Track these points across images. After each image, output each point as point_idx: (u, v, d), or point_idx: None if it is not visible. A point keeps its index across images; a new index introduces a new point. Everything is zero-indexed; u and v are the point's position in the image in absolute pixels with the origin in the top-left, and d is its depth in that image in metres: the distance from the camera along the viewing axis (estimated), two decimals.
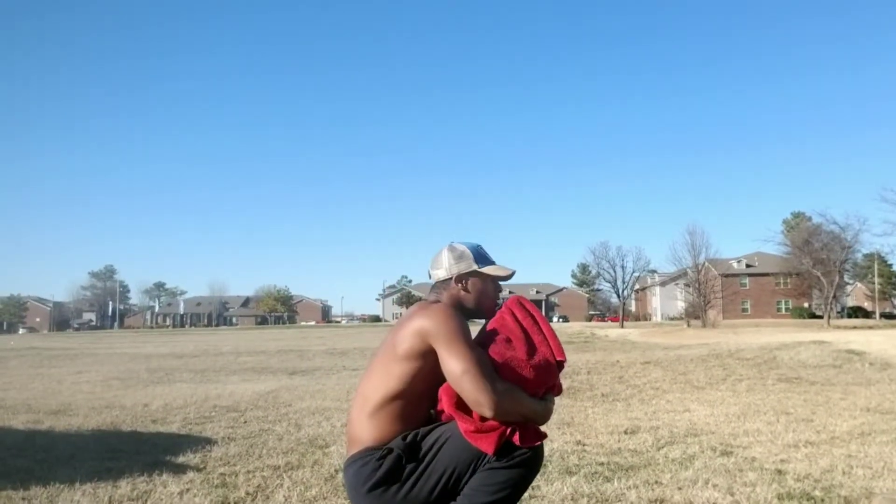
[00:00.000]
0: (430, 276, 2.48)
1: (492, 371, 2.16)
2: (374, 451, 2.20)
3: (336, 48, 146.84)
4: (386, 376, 2.25)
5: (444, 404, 2.22)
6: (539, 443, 2.22)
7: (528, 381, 2.22)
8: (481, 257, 2.46)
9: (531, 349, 2.27)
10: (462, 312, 2.37)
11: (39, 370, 13.63)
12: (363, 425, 2.25)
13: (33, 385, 10.11)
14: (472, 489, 2.20)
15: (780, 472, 3.83)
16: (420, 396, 2.24)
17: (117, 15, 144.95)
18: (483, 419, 2.15)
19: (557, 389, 2.37)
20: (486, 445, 2.14)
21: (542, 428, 2.27)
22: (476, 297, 2.43)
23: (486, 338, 2.31)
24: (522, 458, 2.17)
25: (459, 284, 2.41)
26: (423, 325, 2.21)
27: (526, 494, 3.36)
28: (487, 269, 2.43)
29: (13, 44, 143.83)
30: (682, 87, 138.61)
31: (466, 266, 2.41)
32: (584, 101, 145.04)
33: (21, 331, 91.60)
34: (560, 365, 2.33)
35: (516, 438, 2.14)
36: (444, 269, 2.42)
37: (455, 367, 2.14)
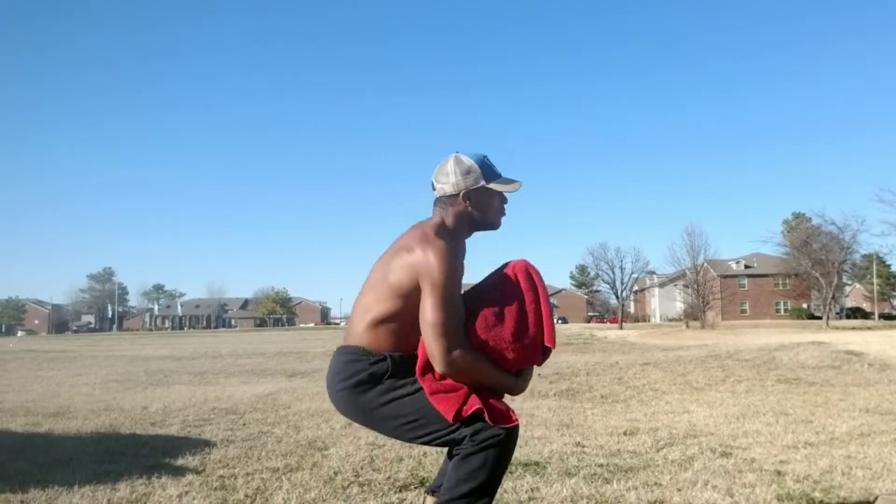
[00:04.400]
0: (433, 188, 2.41)
1: (460, 331, 2.15)
2: (368, 353, 2.25)
3: (335, 50, 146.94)
4: (382, 296, 2.27)
5: (418, 363, 2.23)
6: (511, 425, 2.19)
7: (507, 360, 2.22)
8: (489, 170, 2.38)
9: (520, 329, 2.23)
10: (469, 228, 2.38)
11: (38, 373, 13.61)
12: (362, 331, 2.29)
13: (32, 387, 10.09)
14: (451, 482, 2.21)
15: (779, 473, 3.83)
16: (416, 324, 2.22)
17: (114, 17, 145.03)
18: (442, 377, 2.18)
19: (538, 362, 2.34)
20: (445, 407, 2.15)
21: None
22: (484, 213, 2.39)
23: (479, 297, 2.27)
24: (496, 439, 2.15)
25: (467, 201, 2.35)
26: (417, 263, 2.19)
27: (525, 496, 3.37)
28: (496, 185, 2.37)
29: (12, 46, 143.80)
30: (681, 87, 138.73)
31: (474, 181, 2.34)
32: (583, 101, 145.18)
33: (19, 333, 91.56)
34: (547, 350, 2.29)
35: (487, 416, 2.14)
36: (452, 184, 2.34)
37: (428, 314, 2.14)
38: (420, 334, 2.20)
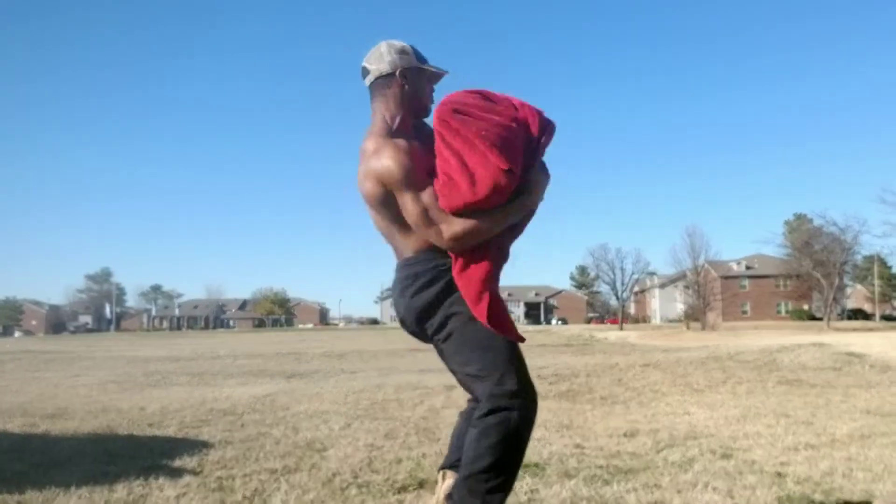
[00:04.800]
0: (364, 74, 2.43)
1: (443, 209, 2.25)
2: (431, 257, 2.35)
3: (335, 52, 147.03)
4: (375, 215, 2.43)
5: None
6: (514, 337, 2.35)
7: (485, 201, 2.25)
8: (419, 53, 2.44)
9: (470, 177, 2.24)
10: (409, 112, 2.41)
11: (35, 373, 13.58)
12: (401, 248, 2.44)
13: (29, 388, 10.07)
14: (468, 457, 2.28)
15: (780, 474, 3.80)
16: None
17: (113, 19, 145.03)
18: (458, 260, 2.28)
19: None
20: (471, 289, 2.27)
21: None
22: (419, 96, 2.42)
23: (430, 170, 2.32)
24: (514, 402, 2.27)
25: (403, 80, 2.38)
26: (377, 173, 2.28)
27: (524, 498, 3.34)
28: (428, 66, 2.43)
29: (10, 46, 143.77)
30: (682, 88, 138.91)
31: (408, 61, 2.38)
32: (583, 103, 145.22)
33: (17, 334, 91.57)
34: (510, 172, 2.26)
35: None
36: (388, 62, 2.37)
37: (409, 209, 2.27)
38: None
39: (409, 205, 2.25)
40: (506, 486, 2.32)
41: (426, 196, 2.26)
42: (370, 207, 2.41)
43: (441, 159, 2.29)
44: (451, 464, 2.53)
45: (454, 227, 2.24)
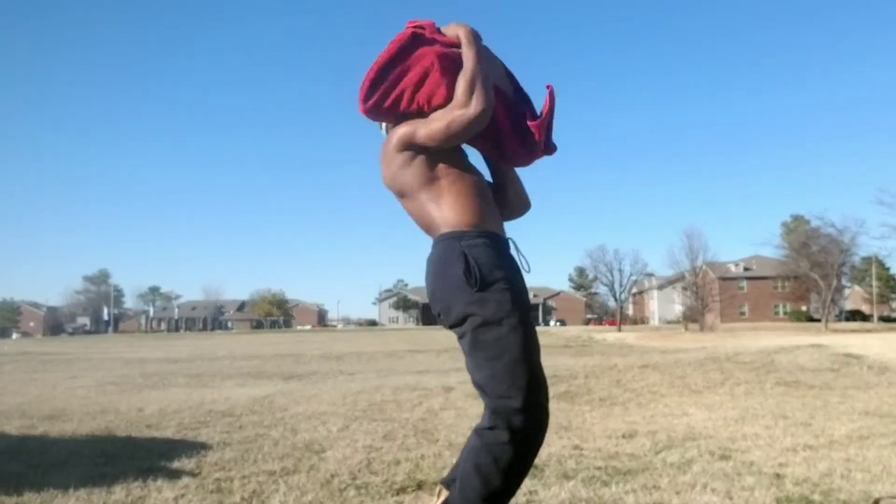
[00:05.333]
0: None
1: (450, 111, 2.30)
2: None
3: (334, 54, 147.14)
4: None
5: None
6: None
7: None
8: None
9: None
10: None
11: (34, 375, 13.57)
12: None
13: (27, 390, 10.06)
14: (463, 469, 2.24)
15: (778, 476, 3.81)
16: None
17: (112, 19, 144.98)
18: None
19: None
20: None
21: None
22: None
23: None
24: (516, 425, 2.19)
25: None
26: (398, 136, 2.39)
27: (523, 499, 3.34)
28: None
29: (9, 47, 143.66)
30: (680, 89, 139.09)
31: None
32: (581, 103, 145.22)
33: (15, 335, 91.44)
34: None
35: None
36: None
37: (439, 123, 2.30)
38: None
39: (434, 124, 2.31)
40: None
41: (441, 111, 2.33)
42: (404, 192, 2.42)
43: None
44: (452, 479, 2.42)
45: (474, 102, 2.25)
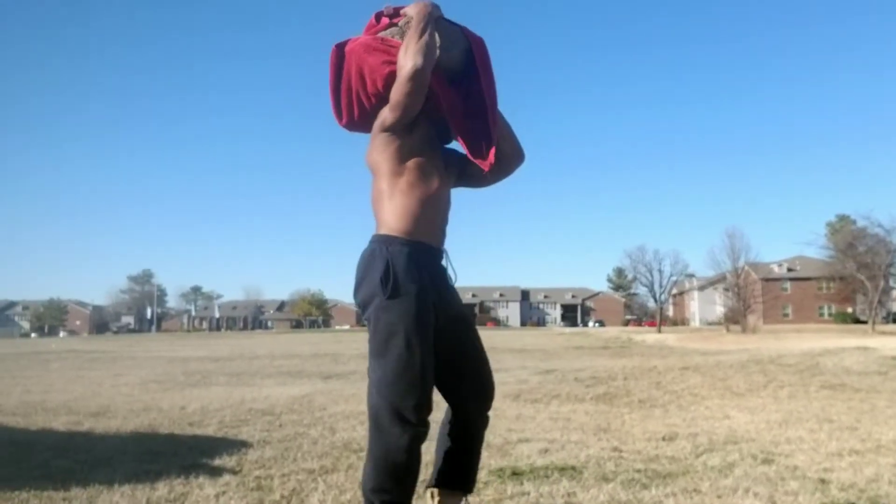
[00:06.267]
0: None
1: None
2: None
3: None
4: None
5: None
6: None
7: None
8: None
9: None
10: None
11: (80, 372, 13.88)
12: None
13: (73, 387, 10.29)
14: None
15: (823, 481, 3.72)
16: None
17: (158, 24, 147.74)
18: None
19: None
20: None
21: None
22: None
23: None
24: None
25: None
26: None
27: (561, 501, 3.32)
28: None
29: (51, 51, 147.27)
30: (723, 88, 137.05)
31: None
32: (622, 104, 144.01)
33: (62, 334, 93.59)
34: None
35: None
36: None
37: (393, 96, 2.45)
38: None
39: (392, 94, 2.45)
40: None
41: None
42: (373, 172, 2.56)
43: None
44: (436, 481, 2.60)
45: (409, 60, 2.37)
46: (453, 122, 2.60)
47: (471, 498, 2.52)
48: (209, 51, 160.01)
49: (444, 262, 2.58)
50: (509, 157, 2.70)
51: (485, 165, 2.56)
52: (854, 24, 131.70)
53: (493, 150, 2.56)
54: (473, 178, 2.72)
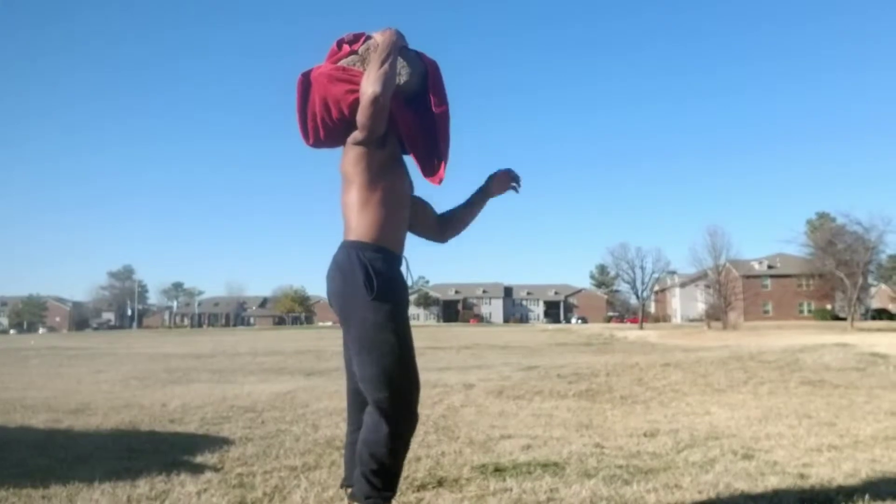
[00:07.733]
0: None
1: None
2: None
3: None
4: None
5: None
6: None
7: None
8: None
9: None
10: None
11: (59, 369, 13.76)
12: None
13: (53, 384, 10.20)
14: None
15: (802, 476, 3.76)
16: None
17: (140, 18, 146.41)
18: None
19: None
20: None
21: None
22: None
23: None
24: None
25: None
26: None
27: (544, 497, 3.33)
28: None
29: (30, 46, 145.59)
30: (703, 87, 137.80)
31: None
32: (605, 102, 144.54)
33: (41, 330, 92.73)
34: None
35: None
36: None
37: (359, 118, 2.61)
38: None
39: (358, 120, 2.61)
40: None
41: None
42: (345, 180, 2.72)
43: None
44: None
45: (369, 86, 2.54)
46: (407, 141, 2.83)
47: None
48: (190, 46, 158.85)
49: (402, 269, 2.80)
50: (440, 234, 3.06)
51: (434, 181, 2.78)
52: (835, 23, 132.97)
53: (443, 165, 2.78)
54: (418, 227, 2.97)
